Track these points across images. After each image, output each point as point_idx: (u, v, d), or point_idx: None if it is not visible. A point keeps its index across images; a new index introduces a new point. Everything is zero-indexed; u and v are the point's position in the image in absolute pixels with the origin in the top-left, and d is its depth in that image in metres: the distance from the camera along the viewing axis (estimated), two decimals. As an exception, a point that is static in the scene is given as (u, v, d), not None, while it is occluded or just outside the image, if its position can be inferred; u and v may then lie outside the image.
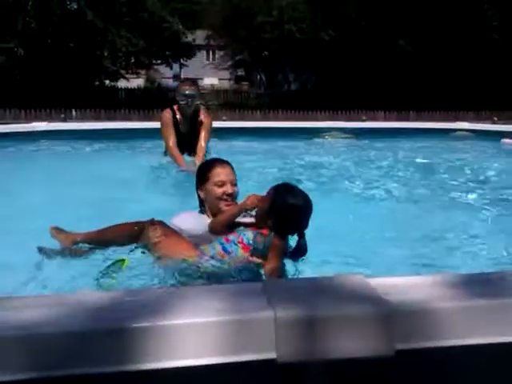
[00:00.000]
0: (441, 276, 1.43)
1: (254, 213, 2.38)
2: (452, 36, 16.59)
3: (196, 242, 2.36)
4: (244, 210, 2.39)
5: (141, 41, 17.89)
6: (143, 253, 2.33)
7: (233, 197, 2.57)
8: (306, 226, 2.26)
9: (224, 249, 2.25)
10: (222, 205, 2.54)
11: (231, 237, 2.29)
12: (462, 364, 1.27)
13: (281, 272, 2.16)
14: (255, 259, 2.18)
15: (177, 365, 1.11)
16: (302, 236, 2.26)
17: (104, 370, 1.09)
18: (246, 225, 2.35)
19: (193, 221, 2.56)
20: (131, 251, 2.33)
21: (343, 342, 1.15)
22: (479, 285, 1.35)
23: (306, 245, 2.27)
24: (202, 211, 2.65)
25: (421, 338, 1.21)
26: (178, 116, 4.85)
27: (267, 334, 1.12)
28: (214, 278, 2.13)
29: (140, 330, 1.09)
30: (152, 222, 2.36)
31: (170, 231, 2.37)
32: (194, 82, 5.37)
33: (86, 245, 2.47)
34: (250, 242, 2.23)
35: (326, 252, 2.47)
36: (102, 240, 2.43)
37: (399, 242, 2.83)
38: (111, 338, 1.09)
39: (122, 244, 2.37)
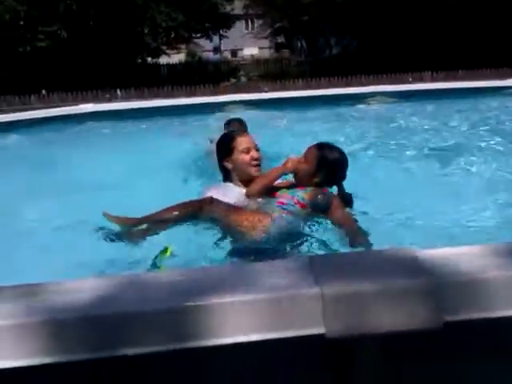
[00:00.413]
0: (490, 245, 1.40)
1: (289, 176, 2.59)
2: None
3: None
4: (285, 173, 2.58)
5: (180, 15, 17.86)
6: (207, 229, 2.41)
7: (259, 160, 2.73)
8: (345, 177, 2.56)
9: (286, 209, 2.43)
10: (252, 170, 2.70)
11: (285, 200, 2.47)
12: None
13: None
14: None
15: (231, 341, 1.15)
16: (342, 187, 2.56)
17: (166, 347, 1.14)
18: (288, 186, 2.56)
19: (228, 192, 2.66)
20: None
21: (390, 316, 1.16)
22: None
23: (350, 195, 2.54)
24: (227, 182, 2.79)
25: (470, 309, 1.20)
26: None
27: (315, 310, 1.14)
28: (294, 233, 2.35)
29: (196, 309, 1.13)
30: (211, 200, 2.46)
31: (231, 206, 2.49)
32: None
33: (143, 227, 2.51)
34: (306, 200, 2.44)
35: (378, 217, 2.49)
36: (160, 221, 2.47)
37: (456, 207, 2.77)
38: (171, 316, 1.13)
39: (183, 222, 2.44)
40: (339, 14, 18.53)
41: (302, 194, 2.46)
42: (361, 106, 7.32)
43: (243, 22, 34.73)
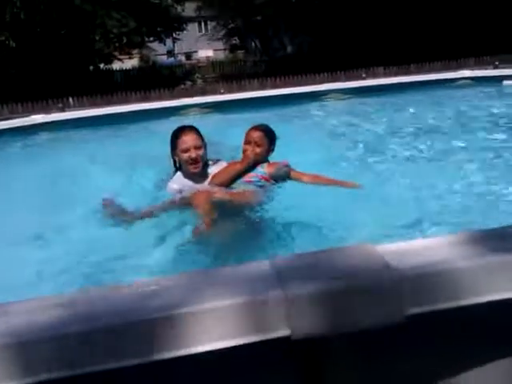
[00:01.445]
0: (451, 236, 1.42)
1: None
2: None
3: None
4: (248, 165, 2.98)
5: (131, 20, 17.61)
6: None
7: (197, 161, 2.95)
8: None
9: (256, 185, 2.92)
10: (190, 168, 2.97)
11: (251, 178, 2.95)
12: (477, 322, 1.28)
13: None
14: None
15: (197, 351, 1.12)
16: None
17: (129, 362, 1.10)
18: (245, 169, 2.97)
19: (186, 182, 2.98)
20: None
21: (355, 314, 1.16)
22: (489, 241, 1.35)
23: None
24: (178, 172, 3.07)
25: (433, 300, 1.21)
26: None
27: (280, 313, 1.13)
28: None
29: (163, 319, 1.10)
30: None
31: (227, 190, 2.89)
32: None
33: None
34: (267, 174, 2.97)
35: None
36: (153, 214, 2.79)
37: (413, 200, 2.82)
38: (134, 330, 1.10)
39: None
40: (293, 13, 18.67)
41: (262, 170, 2.98)
42: (316, 103, 7.39)
43: (196, 24, 34.58)
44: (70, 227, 2.75)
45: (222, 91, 9.41)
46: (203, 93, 10.08)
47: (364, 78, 9.50)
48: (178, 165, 3.07)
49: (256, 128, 3.08)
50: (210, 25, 28.61)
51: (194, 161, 2.94)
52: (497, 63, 10.87)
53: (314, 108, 7.12)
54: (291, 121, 6.12)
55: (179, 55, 37.26)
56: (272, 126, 3.17)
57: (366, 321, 1.18)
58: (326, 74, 10.98)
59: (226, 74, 18.29)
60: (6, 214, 2.99)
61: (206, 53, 33.35)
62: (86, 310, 1.16)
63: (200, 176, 2.99)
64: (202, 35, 29.89)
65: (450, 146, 4.15)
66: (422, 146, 4.23)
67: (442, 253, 1.27)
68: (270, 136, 3.08)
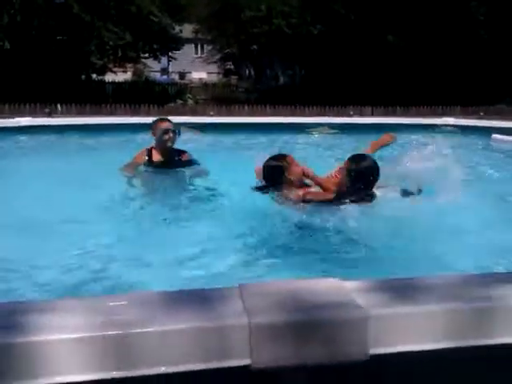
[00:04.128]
0: (417, 279, 1.43)
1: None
2: (439, 32, 16.63)
3: None
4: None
5: (127, 34, 17.72)
6: None
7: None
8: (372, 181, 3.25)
9: None
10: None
11: None
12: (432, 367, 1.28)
13: None
14: None
15: (154, 372, 1.11)
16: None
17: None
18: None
19: None
20: None
21: (318, 348, 1.16)
22: (456, 287, 1.36)
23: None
24: None
25: (395, 341, 1.21)
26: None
27: (242, 340, 1.12)
28: None
29: (117, 338, 1.08)
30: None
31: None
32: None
33: None
34: None
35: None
36: None
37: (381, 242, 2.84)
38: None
39: None
40: (288, 45, 18.99)
41: None
42: (303, 135, 7.47)
43: (192, 46, 34.93)
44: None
45: (211, 113, 9.47)
46: (193, 113, 10.13)
47: (351, 116, 9.65)
48: None
49: (349, 159, 3.14)
50: (207, 48, 28.91)
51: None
52: (481, 113, 11.19)
53: (298, 139, 7.21)
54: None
55: (173, 74, 37.48)
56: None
57: (327, 356, 1.17)
58: (315, 107, 11.14)
59: (218, 98, 18.41)
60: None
61: (199, 74, 33.60)
62: None
63: None
64: (198, 57, 30.19)
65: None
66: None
67: (401, 294, 1.28)
68: (351, 174, 3.09)
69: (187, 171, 4.40)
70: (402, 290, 1.29)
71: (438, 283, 1.35)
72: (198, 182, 4.18)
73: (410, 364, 1.27)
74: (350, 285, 1.30)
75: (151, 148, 4.59)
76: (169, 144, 4.43)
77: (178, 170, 4.50)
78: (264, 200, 3.17)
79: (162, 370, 1.12)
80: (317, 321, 1.14)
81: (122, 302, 1.24)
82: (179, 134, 4.51)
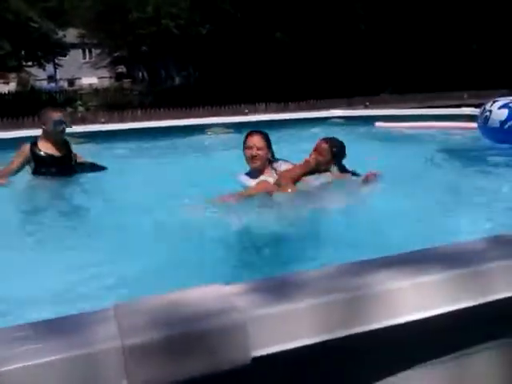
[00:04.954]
0: (302, 273, 1.46)
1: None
2: (324, 27, 17.34)
3: None
4: (309, 168, 3.64)
5: (6, 43, 16.62)
6: None
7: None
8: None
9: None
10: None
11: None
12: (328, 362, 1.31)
13: None
14: None
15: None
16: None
17: None
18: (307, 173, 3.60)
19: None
20: None
21: (198, 360, 1.13)
22: (330, 279, 1.40)
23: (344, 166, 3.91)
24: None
25: (276, 341, 1.23)
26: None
27: (117, 363, 1.07)
28: None
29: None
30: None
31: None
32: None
33: None
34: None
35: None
36: None
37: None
38: None
39: None
40: (178, 45, 18.83)
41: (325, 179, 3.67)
42: (198, 137, 7.44)
43: (80, 51, 33.57)
44: None
45: (102, 120, 9.13)
46: (83, 121, 9.72)
47: (246, 114, 9.77)
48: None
49: (325, 140, 3.76)
50: (95, 52, 27.90)
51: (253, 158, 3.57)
52: (367, 104, 11.82)
53: (195, 140, 7.18)
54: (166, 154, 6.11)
55: (61, 81, 35.83)
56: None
57: (210, 366, 1.15)
58: (210, 107, 11.15)
59: (110, 103, 17.80)
60: None
61: (89, 80, 32.39)
62: None
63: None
64: (86, 62, 29.08)
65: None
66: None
67: (290, 290, 1.30)
68: (334, 150, 3.71)
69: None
70: (279, 288, 1.31)
71: (313, 276, 1.39)
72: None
73: (294, 362, 1.29)
74: (229, 289, 1.29)
75: (35, 142, 4.35)
76: (63, 136, 4.29)
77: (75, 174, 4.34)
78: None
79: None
80: (192, 332, 1.12)
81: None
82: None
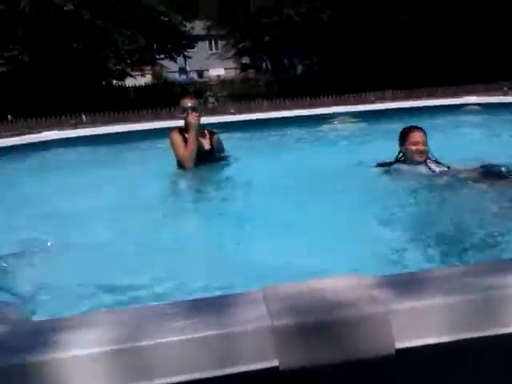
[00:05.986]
0: (438, 270, 1.46)
1: None
2: (453, 6, 16.27)
3: None
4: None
5: (141, 37, 17.85)
6: None
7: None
8: None
9: None
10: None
11: None
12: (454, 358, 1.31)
13: None
14: None
15: (176, 380, 1.16)
16: None
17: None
18: None
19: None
20: None
21: (344, 346, 1.19)
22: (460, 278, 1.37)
23: None
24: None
25: (420, 334, 1.24)
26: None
27: (268, 342, 1.16)
28: None
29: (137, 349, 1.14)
30: None
31: None
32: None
33: None
34: None
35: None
36: None
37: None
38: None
39: None
40: (300, 33, 18.86)
41: None
42: (324, 127, 7.44)
43: (206, 42, 34.90)
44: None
45: (232, 111, 9.51)
46: (213, 112, 10.19)
47: (373, 102, 9.56)
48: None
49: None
50: (221, 43, 28.92)
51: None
52: (505, 89, 10.93)
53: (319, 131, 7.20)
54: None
55: (191, 73, 37.56)
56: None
57: (354, 354, 1.21)
58: (335, 96, 11.07)
59: (237, 94, 18.39)
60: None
61: (217, 71, 33.67)
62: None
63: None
64: (213, 54, 30.23)
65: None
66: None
67: (428, 286, 1.31)
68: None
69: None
70: (411, 283, 1.32)
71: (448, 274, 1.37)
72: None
73: (430, 358, 1.30)
74: (371, 280, 1.33)
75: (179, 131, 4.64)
76: (198, 123, 4.47)
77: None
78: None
79: (183, 378, 1.16)
80: (342, 319, 1.18)
81: (131, 316, 1.29)
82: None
